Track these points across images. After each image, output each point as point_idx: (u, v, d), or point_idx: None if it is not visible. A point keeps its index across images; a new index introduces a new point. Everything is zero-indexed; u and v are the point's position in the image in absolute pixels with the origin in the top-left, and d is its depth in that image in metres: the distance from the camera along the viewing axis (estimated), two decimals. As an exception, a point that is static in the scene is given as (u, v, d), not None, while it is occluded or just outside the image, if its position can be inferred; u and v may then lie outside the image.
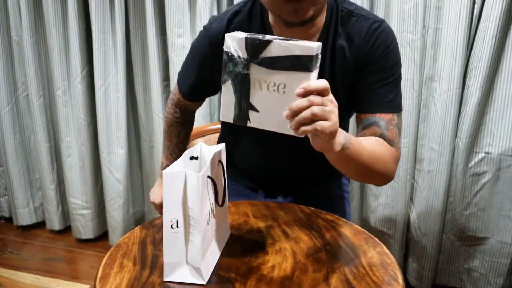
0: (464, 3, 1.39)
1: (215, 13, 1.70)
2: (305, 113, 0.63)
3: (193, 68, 1.02)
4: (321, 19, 0.88)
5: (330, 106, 0.65)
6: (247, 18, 0.92)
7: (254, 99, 0.68)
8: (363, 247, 0.85)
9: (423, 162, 1.62)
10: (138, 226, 0.95)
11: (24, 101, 2.13)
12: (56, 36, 1.90)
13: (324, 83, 0.64)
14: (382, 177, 0.88)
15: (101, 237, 2.18)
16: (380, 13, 1.53)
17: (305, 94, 0.63)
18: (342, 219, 0.99)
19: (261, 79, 0.67)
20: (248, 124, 0.70)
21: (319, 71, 0.71)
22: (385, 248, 0.85)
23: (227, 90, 0.69)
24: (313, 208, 1.04)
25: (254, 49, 0.65)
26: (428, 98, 1.58)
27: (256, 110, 0.68)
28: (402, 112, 0.92)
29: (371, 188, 1.72)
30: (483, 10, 1.39)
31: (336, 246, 0.86)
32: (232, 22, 0.93)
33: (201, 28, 1.68)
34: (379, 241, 0.88)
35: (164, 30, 1.79)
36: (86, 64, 1.94)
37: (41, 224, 2.29)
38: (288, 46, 0.64)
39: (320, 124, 0.63)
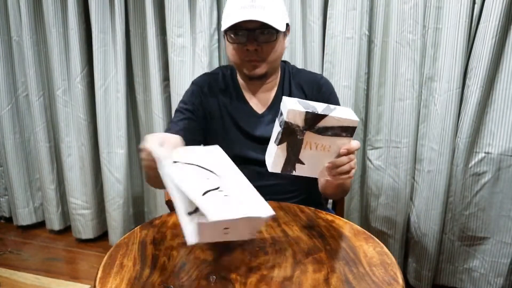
0: (464, 3, 1.39)
1: (215, 13, 1.70)
2: (346, 167, 0.85)
3: (183, 115, 1.17)
4: (277, 76, 1.20)
5: (355, 159, 0.88)
6: (222, 75, 1.21)
7: (303, 156, 0.83)
8: (363, 247, 0.85)
9: (423, 162, 1.62)
10: (138, 226, 0.95)
11: (24, 101, 2.13)
12: (56, 36, 1.90)
13: (358, 145, 0.85)
14: (347, 191, 1.16)
15: (101, 237, 2.18)
16: (380, 13, 1.54)
17: (348, 153, 0.83)
18: (342, 219, 0.99)
19: (312, 142, 0.82)
20: (293, 173, 0.85)
21: None
22: (385, 248, 0.85)
23: (281, 150, 0.83)
24: (313, 208, 1.04)
25: (312, 121, 0.79)
26: (428, 98, 1.58)
27: (302, 163, 0.84)
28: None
29: (371, 188, 1.72)
30: (483, 10, 1.39)
31: (336, 246, 0.86)
32: (211, 75, 1.23)
33: (201, 28, 1.73)
34: (379, 241, 0.88)
35: (164, 30, 1.79)
36: (86, 64, 1.94)
37: (41, 224, 2.29)
38: (339, 120, 0.79)
39: (352, 173, 0.88)
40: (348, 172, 0.86)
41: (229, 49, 1.12)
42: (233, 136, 1.18)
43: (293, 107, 0.78)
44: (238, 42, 1.07)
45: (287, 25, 1.13)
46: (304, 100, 0.82)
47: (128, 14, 1.83)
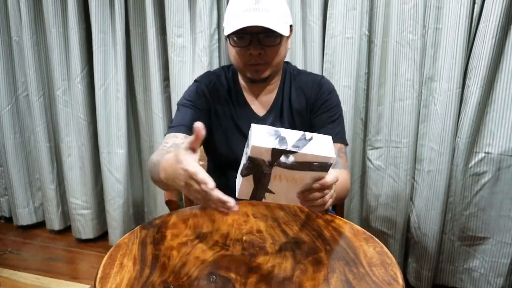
0: (464, 3, 1.39)
1: (215, 13, 1.71)
2: (319, 202, 0.77)
3: (188, 108, 1.14)
4: (278, 78, 1.18)
5: (333, 190, 0.80)
6: (224, 76, 1.19)
7: (272, 187, 0.75)
8: (363, 247, 0.85)
9: (423, 162, 1.62)
10: (138, 226, 0.95)
11: (24, 101, 2.13)
12: (56, 36, 1.90)
13: (335, 179, 0.77)
14: (342, 199, 1.11)
15: (101, 237, 2.18)
16: (380, 13, 1.54)
17: (321, 188, 0.75)
18: (342, 219, 0.99)
19: (281, 175, 0.73)
20: (263, 200, 0.78)
21: (283, 117, 1.14)
22: (385, 248, 0.85)
23: (248, 181, 0.74)
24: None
25: (279, 157, 0.70)
26: (428, 98, 1.58)
27: (272, 192, 0.77)
28: (347, 145, 1.19)
29: (371, 188, 1.72)
30: (483, 10, 1.39)
31: (336, 246, 0.86)
32: (215, 74, 1.20)
33: (201, 28, 1.72)
34: (379, 241, 0.88)
35: (164, 30, 1.79)
36: (86, 64, 1.94)
37: (41, 224, 2.29)
38: (311, 156, 0.70)
39: (329, 204, 0.80)
40: (323, 205, 0.79)
41: (232, 53, 1.09)
42: (235, 140, 1.16)
43: (258, 143, 0.69)
44: (241, 46, 1.04)
45: (290, 26, 1.10)
46: (276, 129, 0.72)
47: (128, 14, 1.83)
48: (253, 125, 0.73)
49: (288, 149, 0.70)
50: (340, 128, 1.16)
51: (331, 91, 1.17)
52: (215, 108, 1.17)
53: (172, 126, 1.11)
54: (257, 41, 1.03)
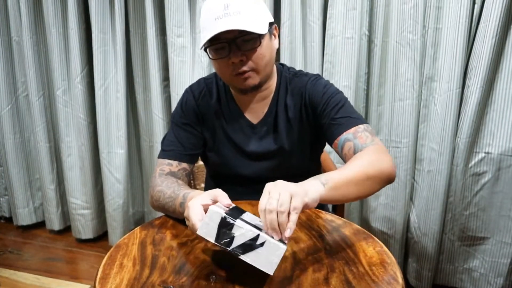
0: (464, 3, 1.39)
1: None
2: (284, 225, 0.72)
3: (180, 128, 1.12)
4: (272, 83, 1.09)
5: (284, 205, 0.72)
6: (216, 83, 1.13)
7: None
8: (363, 247, 0.85)
9: (423, 162, 1.62)
10: (138, 227, 0.95)
11: (24, 101, 2.13)
12: (56, 36, 1.90)
13: (263, 206, 0.72)
14: (383, 175, 0.90)
15: (101, 237, 2.18)
16: (380, 13, 1.54)
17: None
18: (342, 219, 0.99)
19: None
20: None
21: (278, 128, 1.08)
22: (385, 248, 0.85)
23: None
24: (313, 208, 1.04)
25: (224, 247, 0.72)
26: (428, 98, 1.58)
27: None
28: (367, 124, 1.02)
29: (371, 188, 1.72)
30: (483, 10, 1.39)
31: (336, 246, 0.86)
32: (207, 81, 1.14)
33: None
34: (378, 241, 0.88)
35: (164, 30, 1.79)
36: (86, 64, 1.94)
37: (41, 224, 2.30)
38: (251, 263, 0.70)
39: (293, 222, 0.71)
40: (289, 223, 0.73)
41: (215, 66, 1.02)
42: (226, 151, 1.12)
43: (202, 233, 0.72)
44: (221, 57, 0.97)
45: (272, 24, 1.01)
46: (231, 221, 0.72)
47: (128, 14, 1.84)
48: (211, 207, 0.74)
49: (229, 250, 0.71)
50: (349, 113, 1.03)
51: (326, 85, 1.07)
52: (204, 119, 1.12)
53: (164, 150, 1.10)
54: (236, 47, 0.95)
